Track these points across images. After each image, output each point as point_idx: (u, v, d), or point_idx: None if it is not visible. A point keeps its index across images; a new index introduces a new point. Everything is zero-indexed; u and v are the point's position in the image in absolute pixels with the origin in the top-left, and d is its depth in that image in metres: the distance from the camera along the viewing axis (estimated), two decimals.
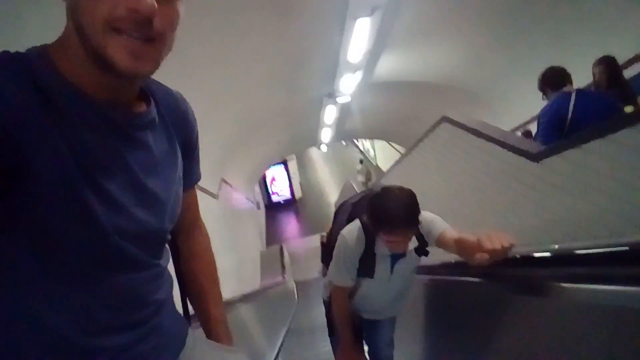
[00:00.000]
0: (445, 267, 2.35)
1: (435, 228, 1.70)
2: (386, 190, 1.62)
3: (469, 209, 3.77)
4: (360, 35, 5.17)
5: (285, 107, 7.83)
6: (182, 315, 1.01)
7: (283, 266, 9.31)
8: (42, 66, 0.61)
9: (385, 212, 1.54)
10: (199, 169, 0.97)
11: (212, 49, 4.38)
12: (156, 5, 0.59)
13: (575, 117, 2.50)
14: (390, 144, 13.89)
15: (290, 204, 17.27)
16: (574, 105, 2.53)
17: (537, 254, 1.45)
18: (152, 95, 0.79)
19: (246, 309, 4.32)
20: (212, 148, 6.31)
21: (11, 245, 0.60)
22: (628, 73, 3.84)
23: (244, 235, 9.36)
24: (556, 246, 1.46)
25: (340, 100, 7.88)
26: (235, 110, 6.30)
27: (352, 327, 1.98)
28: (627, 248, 1.06)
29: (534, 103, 3.21)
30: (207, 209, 5.82)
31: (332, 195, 15.81)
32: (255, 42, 4.84)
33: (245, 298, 4.45)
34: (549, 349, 1.26)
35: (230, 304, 3.61)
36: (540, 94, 2.87)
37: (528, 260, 1.48)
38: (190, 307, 1.06)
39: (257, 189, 14.37)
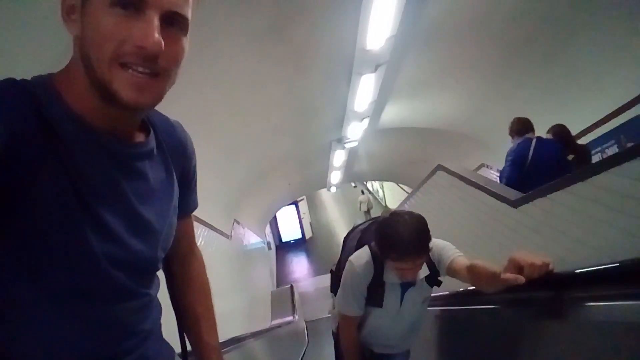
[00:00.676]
0: (457, 297, 2.28)
1: (446, 255, 1.60)
2: (395, 215, 1.54)
3: (464, 249, 4.00)
4: (365, 89, 5.43)
5: (296, 152, 8.08)
6: (180, 346, 1.01)
7: (293, 306, 9.25)
8: (45, 94, 0.63)
9: (394, 237, 1.47)
10: (196, 197, 0.97)
11: (231, 101, 4.75)
12: (163, 44, 0.59)
13: (533, 159, 3.12)
14: (399, 186, 14.09)
15: (300, 244, 17.22)
16: (533, 149, 3.15)
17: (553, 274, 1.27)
18: (152, 124, 0.79)
19: (257, 345, 4.39)
20: (226, 191, 6.52)
21: (1, 271, 0.59)
22: (617, 121, 4.21)
23: (255, 275, 9.36)
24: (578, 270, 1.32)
25: (348, 145, 8.05)
26: (250, 156, 6.58)
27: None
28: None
29: None
30: (220, 249, 5.96)
31: (342, 235, 15.64)
32: (270, 95, 5.19)
33: (256, 335, 4.51)
34: None
35: (241, 339, 3.68)
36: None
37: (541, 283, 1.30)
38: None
39: (267, 229, 14.41)
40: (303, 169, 9.83)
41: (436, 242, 1.61)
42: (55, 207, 0.59)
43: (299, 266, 15.73)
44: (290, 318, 8.41)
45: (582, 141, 4.80)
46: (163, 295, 0.89)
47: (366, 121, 6.86)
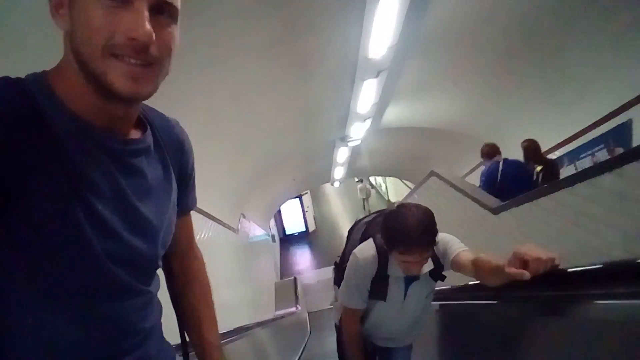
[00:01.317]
0: (464, 291, 2.19)
1: (451, 249, 1.57)
2: (403, 207, 1.51)
3: None
4: (367, 92, 5.66)
5: (301, 150, 8.33)
6: (181, 345, 1.00)
7: (297, 297, 9.48)
8: (40, 91, 0.62)
9: (401, 229, 1.43)
10: (194, 195, 0.96)
11: (242, 103, 4.99)
12: (153, 33, 0.59)
13: (502, 179, 3.78)
14: (402, 181, 14.30)
15: (304, 237, 17.48)
16: (502, 170, 3.82)
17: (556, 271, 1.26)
18: (149, 122, 0.78)
19: (262, 334, 4.63)
20: (234, 186, 6.79)
21: (1, 270, 0.59)
22: (608, 125, 4.43)
23: (260, 267, 9.54)
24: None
25: (351, 143, 8.26)
26: (257, 153, 6.84)
27: (363, 353, 1.86)
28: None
29: None
30: (227, 242, 6.24)
31: (344, 228, 15.92)
32: (278, 97, 5.44)
33: (261, 324, 4.76)
34: None
35: (247, 328, 3.91)
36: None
37: (543, 279, 1.25)
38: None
39: (272, 222, 14.66)
40: (307, 165, 10.05)
41: (442, 236, 1.57)
42: (52, 203, 0.59)
43: (302, 258, 15.97)
44: (293, 309, 8.66)
45: (574, 144, 5.05)
46: (163, 294, 0.89)
47: (368, 121, 7.05)
